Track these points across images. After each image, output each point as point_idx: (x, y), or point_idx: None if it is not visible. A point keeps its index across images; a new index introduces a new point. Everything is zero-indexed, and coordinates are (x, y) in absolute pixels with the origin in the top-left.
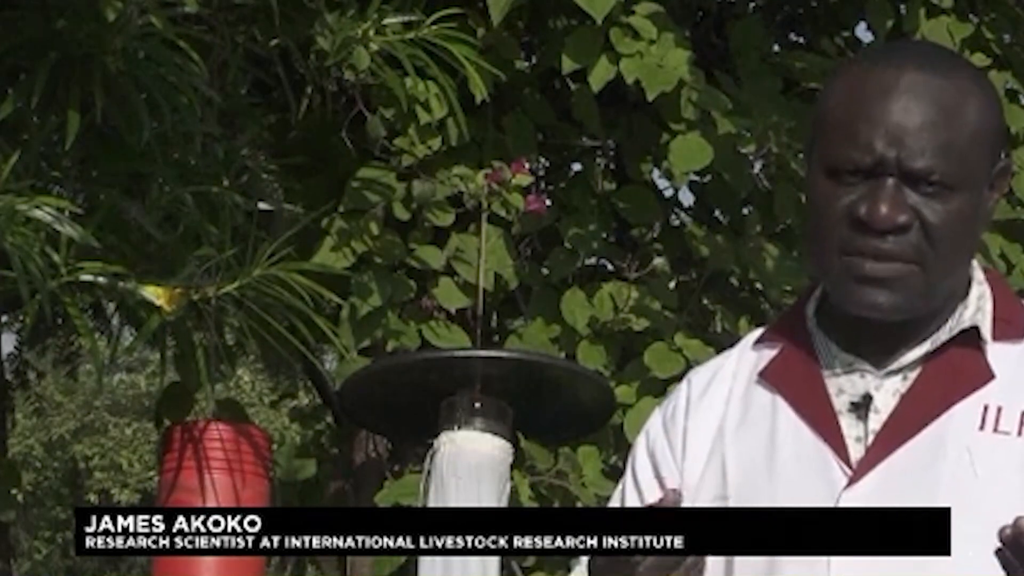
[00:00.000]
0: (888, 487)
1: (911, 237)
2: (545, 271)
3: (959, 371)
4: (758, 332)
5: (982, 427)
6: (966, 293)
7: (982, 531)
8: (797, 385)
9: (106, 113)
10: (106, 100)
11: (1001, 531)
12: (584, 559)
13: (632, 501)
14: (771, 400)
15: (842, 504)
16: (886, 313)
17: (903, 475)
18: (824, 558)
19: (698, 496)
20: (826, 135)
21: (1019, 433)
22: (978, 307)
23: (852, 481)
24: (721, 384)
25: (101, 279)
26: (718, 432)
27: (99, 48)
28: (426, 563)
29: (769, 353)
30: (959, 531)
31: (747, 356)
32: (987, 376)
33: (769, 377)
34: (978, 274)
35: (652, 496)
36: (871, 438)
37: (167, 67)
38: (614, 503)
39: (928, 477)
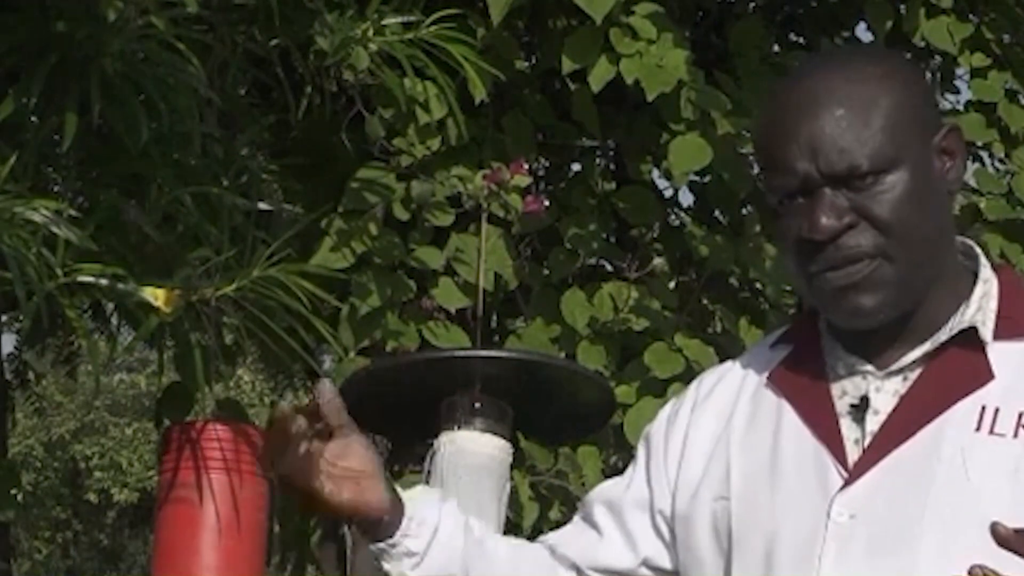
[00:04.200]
0: (882, 489)
1: (862, 235)
2: (545, 271)
3: (958, 372)
4: (776, 332)
5: (978, 428)
6: (970, 291)
7: (974, 533)
8: (802, 388)
9: (104, 114)
10: (104, 102)
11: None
12: None
13: (623, 480)
14: (777, 404)
15: (835, 507)
16: (872, 315)
17: (898, 477)
18: (815, 564)
19: (699, 495)
20: (763, 174)
21: (1015, 435)
22: (980, 306)
23: (847, 483)
24: (729, 386)
25: (100, 280)
26: (723, 432)
27: (97, 50)
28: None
29: (781, 355)
30: (951, 533)
31: (761, 358)
32: (986, 377)
33: (777, 380)
34: (984, 272)
35: (639, 472)
36: (868, 440)
37: (165, 68)
38: (612, 481)
39: (922, 479)
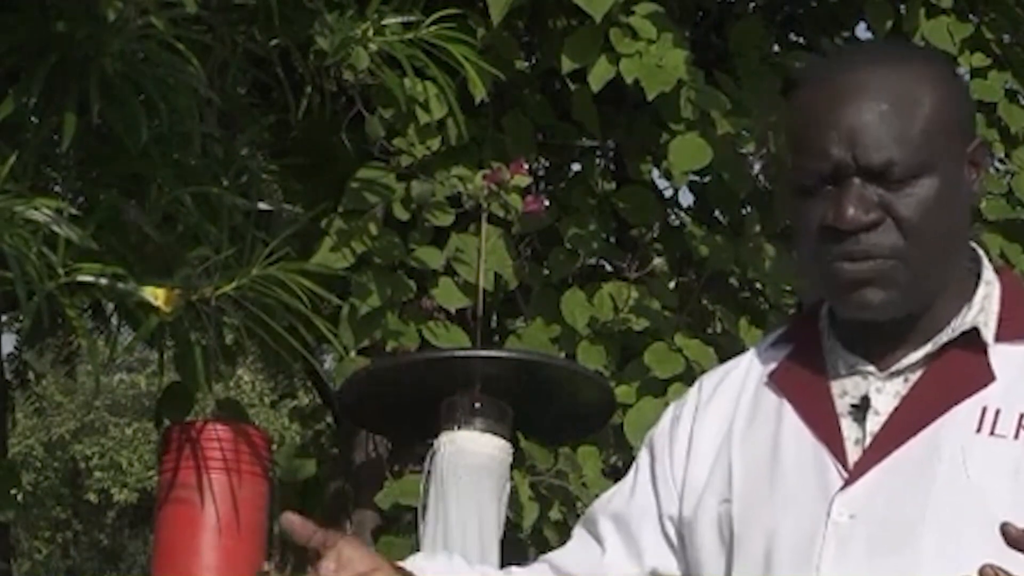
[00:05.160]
0: (882, 489)
1: (885, 234)
2: (545, 271)
3: (959, 373)
4: (776, 331)
5: (979, 429)
6: (972, 293)
7: (974, 534)
8: (802, 388)
9: (104, 114)
10: (104, 101)
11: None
12: None
13: (626, 488)
14: (777, 403)
15: (835, 506)
16: (879, 311)
17: (898, 477)
18: (814, 564)
19: (704, 499)
20: (789, 152)
21: (1016, 436)
22: (982, 307)
23: (847, 483)
24: (731, 387)
25: (101, 280)
26: (726, 435)
27: (97, 50)
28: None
29: (781, 354)
30: (951, 533)
31: (761, 357)
32: (987, 378)
33: (777, 380)
34: (987, 274)
35: (643, 479)
36: (869, 440)
37: (165, 68)
38: (614, 489)
39: (922, 479)
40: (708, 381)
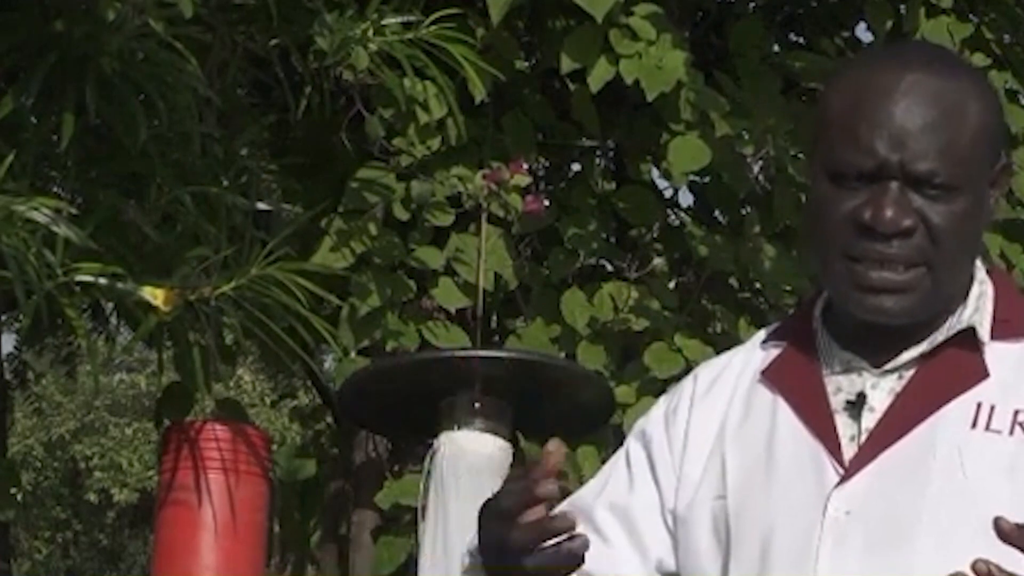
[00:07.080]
0: (878, 486)
1: (916, 240)
2: (545, 271)
3: (954, 370)
4: (768, 329)
5: (974, 425)
6: (967, 293)
7: (970, 529)
8: (797, 384)
9: (103, 114)
10: (103, 101)
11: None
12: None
13: (620, 479)
14: (771, 400)
15: (831, 503)
16: (894, 317)
17: (893, 474)
18: (811, 560)
19: (698, 495)
20: (828, 138)
21: (1011, 432)
22: (977, 307)
23: (843, 480)
24: (726, 382)
25: (100, 280)
26: (720, 430)
27: (96, 49)
28: (426, 565)
29: (774, 352)
30: (947, 529)
31: (754, 354)
32: (982, 375)
33: (770, 376)
34: (979, 273)
35: (641, 471)
36: (865, 437)
37: (164, 67)
38: (597, 478)
39: (918, 476)
40: (704, 375)
